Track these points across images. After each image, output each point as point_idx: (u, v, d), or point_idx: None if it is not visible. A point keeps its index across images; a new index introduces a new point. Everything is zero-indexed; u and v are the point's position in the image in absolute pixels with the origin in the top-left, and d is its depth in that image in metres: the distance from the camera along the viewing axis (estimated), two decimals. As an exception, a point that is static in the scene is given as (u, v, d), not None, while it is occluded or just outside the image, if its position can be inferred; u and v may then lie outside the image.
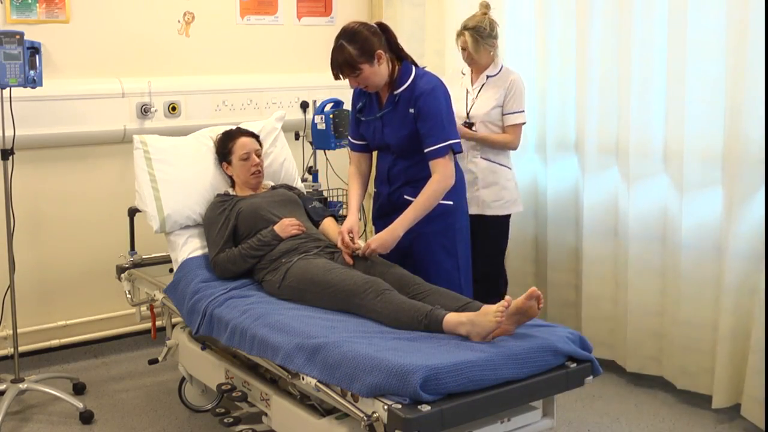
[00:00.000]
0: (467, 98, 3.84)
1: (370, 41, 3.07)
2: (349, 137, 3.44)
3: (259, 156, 3.54)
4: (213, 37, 4.40)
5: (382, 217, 3.33)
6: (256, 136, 3.61)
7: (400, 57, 3.20)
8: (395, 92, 3.17)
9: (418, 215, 3.11)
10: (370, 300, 2.84)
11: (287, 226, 3.30)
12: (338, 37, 3.10)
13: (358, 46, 3.06)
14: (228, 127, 3.67)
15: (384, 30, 3.16)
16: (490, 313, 2.60)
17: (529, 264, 4.39)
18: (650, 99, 3.68)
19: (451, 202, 3.23)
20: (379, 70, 3.11)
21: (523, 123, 3.83)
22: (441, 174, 3.11)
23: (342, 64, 3.08)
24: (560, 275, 4.22)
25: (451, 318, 2.68)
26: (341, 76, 3.13)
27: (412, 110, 3.13)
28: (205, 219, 3.45)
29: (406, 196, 3.23)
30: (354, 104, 3.35)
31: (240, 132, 3.59)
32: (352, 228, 3.21)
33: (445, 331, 2.67)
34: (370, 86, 3.15)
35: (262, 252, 3.25)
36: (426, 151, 3.12)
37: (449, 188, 3.15)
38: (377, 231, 3.30)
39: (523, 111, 3.81)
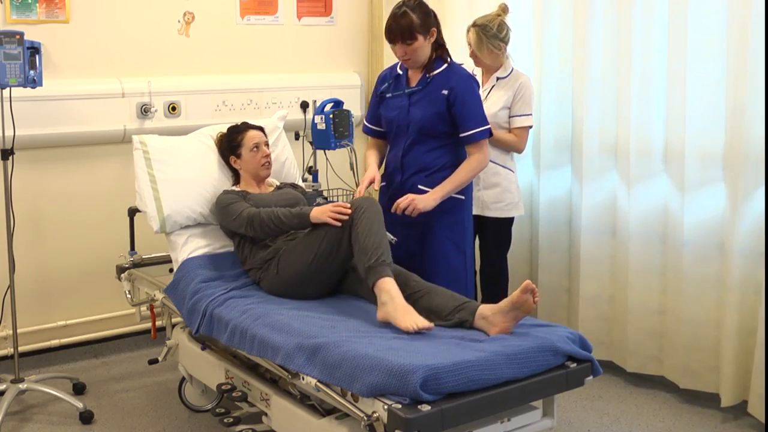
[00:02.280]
0: None
1: (430, 16, 3.22)
2: (365, 121, 3.54)
3: (267, 147, 3.56)
4: (213, 37, 4.39)
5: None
6: (262, 129, 3.62)
7: (439, 45, 3.30)
8: (429, 74, 3.27)
9: (455, 186, 3.25)
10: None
11: (332, 210, 3.07)
12: (401, 4, 3.21)
13: (422, 17, 3.19)
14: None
15: (435, 16, 3.29)
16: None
17: (523, 266, 4.38)
18: (650, 99, 3.67)
19: (462, 197, 3.30)
20: (427, 47, 3.24)
21: (530, 126, 3.83)
22: (482, 155, 3.28)
23: (403, 28, 3.17)
24: (553, 278, 4.21)
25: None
26: (395, 42, 3.21)
27: (445, 91, 3.23)
28: (220, 201, 3.40)
29: (419, 185, 3.26)
30: (377, 87, 3.45)
31: (247, 126, 3.60)
32: (374, 177, 3.30)
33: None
34: (412, 60, 3.25)
35: (288, 224, 3.19)
36: (466, 134, 3.24)
37: (484, 169, 3.37)
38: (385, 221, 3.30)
39: (531, 114, 3.82)
